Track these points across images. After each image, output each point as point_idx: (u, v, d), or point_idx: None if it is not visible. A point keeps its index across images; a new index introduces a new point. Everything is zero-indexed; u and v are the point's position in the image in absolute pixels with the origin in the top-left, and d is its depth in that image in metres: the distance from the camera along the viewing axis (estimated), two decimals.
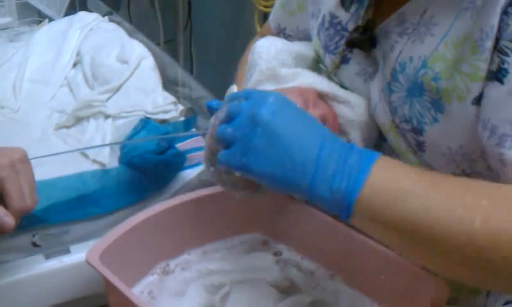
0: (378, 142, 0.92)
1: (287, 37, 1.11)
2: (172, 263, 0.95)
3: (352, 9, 0.92)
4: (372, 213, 0.67)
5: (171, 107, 1.27)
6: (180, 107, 1.30)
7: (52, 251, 1.01)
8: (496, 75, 0.71)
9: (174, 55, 2.49)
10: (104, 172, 1.04)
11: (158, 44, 2.33)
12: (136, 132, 1.10)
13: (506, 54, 0.70)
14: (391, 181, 0.67)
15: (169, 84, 1.41)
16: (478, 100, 0.74)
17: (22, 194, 0.85)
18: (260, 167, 0.69)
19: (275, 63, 0.94)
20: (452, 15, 0.77)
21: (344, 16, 0.93)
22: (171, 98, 1.30)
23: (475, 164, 0.79)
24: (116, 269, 0.84)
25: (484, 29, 0.72)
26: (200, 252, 0.98)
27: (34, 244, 1.00)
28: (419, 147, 0.82)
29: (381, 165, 0.68)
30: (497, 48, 0.71)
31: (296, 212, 0.98)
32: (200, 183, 1.10)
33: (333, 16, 0.94)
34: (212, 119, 0.78)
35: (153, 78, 1.35)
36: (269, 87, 0.92)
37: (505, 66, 0.70)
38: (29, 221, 0.98)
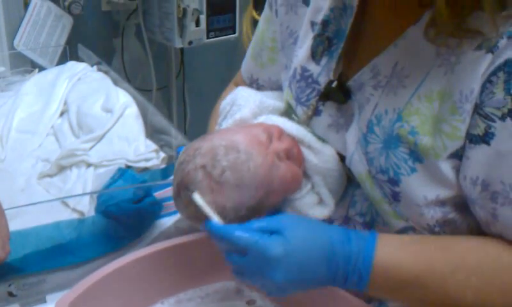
0: (350, 190, 0.92)
1: (260, 87, 1.13)
2: None
3: (323, 62, 0.94)
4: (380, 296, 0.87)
5: (153, 155, 1.29)
6: (162, 155, 1.32)
7: (28, 301, 1.01)
8: (483, 139, 0.75)
9: (167, 101, 2.53)
10: (80, 221, 1.05)
11: (150, 91, 2.38)
12: (113, 181, 1.12)
13: (493, 120, 0.73)
14: (389, 277, 0.78)
15: (153, 131, 1.43)
16: (453, 156, 0.78)
17: None
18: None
19: (249, 114, 0.96)
20: (423, 68, 0.79)
21: (314, 69, 0.95)
22: (153, 146, 1.32)
23: (449, 213, 0.82)
24: None
25: (463, 93, 0.75)
26: (173, 301, 0.98)
27: (10, 294, 1.01)
28: (394, 197, 0.83)
29: (378, 263, 0.77)
30: (481, 114, 0.74)
31: None
32: (177, 230, 1.11)
33: (304, 69, 0.96)
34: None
35: (137, 127, 1.37)
36: None
37: (492, 130, 0.74)
38: (5, 271, 0.99)
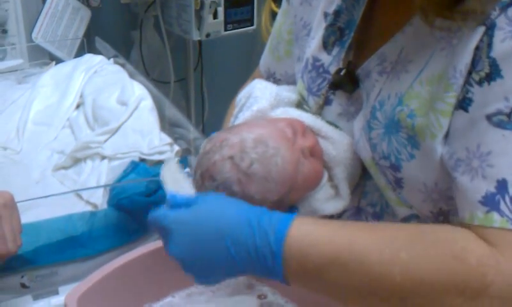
0: (363, 180, 0.92)
1: (277, 81, 1.13)
2: (156, 306, 0.96)
3: (334, 52, 0.94)
4: (303, 285, 0.75)
5: (167, 148, 1.29)
6: (176, 148, 1.31)
7: (40, 292, 1.02)
8: (461, 104, 0.72)
9: (185, 94, 2.53)
10: (92, 214, 1.05)
11: (168, 83, 2.38)
12: (125, 174, 1.12)
13: (471, 85, 0.71)
14: (305, 260, 0.71)
15: (168, 125, 1.43)
16: (446, 135, 0.75)
17: (4, 238, 0.87)
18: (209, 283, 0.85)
19: (267, 106, 0.96)
20: (427, 53, 0.78)
21: (325, 59, 0.95)
22: (167, 139, 1.32)
23: (451, 200, 0.79)
24: None
25: (457, 67, 0.73)
26: (184, 294, 0.98)
27: (23, 285, 1.02)
28: (397, 183, 0.83)
29: (291, 243, 0.71)
30: (467, 81, 0.72)
31: None
32: None
33: (315, 59, 0.96)
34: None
35: (151, 120, 1.37)
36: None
37: (470, 95, 0.71)
38: (17, 263, 1.00)
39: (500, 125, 0.68)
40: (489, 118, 0.69)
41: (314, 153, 0.88)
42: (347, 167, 0.90)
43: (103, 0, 2.12)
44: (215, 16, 2.10)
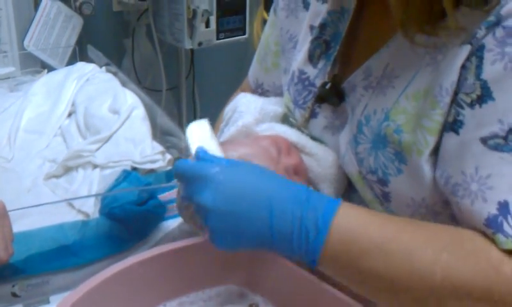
0: (348, 193, 0.93)
1: (265, 92, 1.14)
2: None
3: (320, 65, 0.94)
4: (335, 270, 0.73)
5: (159, 157, 1.29)
6: (168, 157, 1.31)
7: (31, 302, 1.02)
8: (452, 126, 0.73)
9: (177, 102, 2.53)
10: (84, 223, 1.05)
11: (160, 91, 2.38)
12: (117, 183, 1.12)
13: (461, 107, 0.72)
14: (351, 241, 0.70)
15: (160, 133, 1.43)
16: (434, 152, 0.76)
17: None
18: (225, 246, 0.77)
19: (252, 120, 0.96)
20: (412, 68, 0.79)
21: (311, 72, 0.95)
22: (159, 148, 1.32)
23: (438, 215, 0.80)
24: None
25: (443, 86, 0.73)
26: (175, 304, 0.98)
27: (14, 294, 1.01)
28: (385, 198, 0.83)
29: (340, 222, 0.70)
30: (454, 101, 0.73)
31: (272, 263, 0.99)
32: (181, 233, 1.11)
33: (301, 72, 0.97)
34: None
35: (143, 129, 1.37)
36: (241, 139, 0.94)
37: (461, 118, 0.72)
38: (8, 272, 0.99)
39: (497, 148, 0.68)
40: (484, 141, 0.69)
41: (298, 171, 0.89)
42: (332, 183, 0.90)
43: (95, 8, 2.12)
44: (207, 25, 2.10)
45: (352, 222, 0.70)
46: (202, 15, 2.06)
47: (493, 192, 0.68)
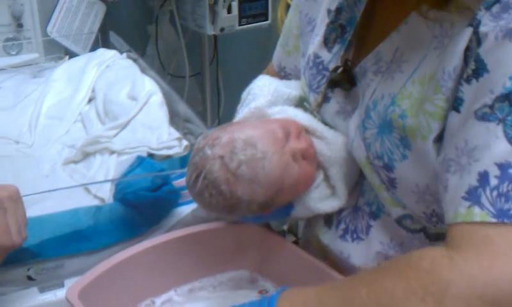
0: (360, 179, 0.92)
1: (288, 75, 1.13)
2: (158, 301, 0.97)
3: (335, 49, 0.94)
4: None
5: (175, 143, 1.29)
6: (185, 143, 1.32)
7: (46, 285, 1.04)
8: (453, 105, 0.72)
9: (201, 88, 2.53)
10: (98, 208, 1.06)
11: (184, 77, 2.39)
12: (132, 169, 1.13)
13: (461, 84, 0.71)
14: None
15: (178, 119, 1.44)
16: (439, 139, 0.74)
17: (8, 231, 0.88)
18: None
19: (264, 103, 0.96)
20: (421, 53, 0.78)
21: (326, 56, 0.95)
22: (176, 134, 1.32)
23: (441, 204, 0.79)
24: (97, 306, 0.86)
25: (446, 69, 0.72)
26: (186, 289, 0.99)
27: (29, 278, 1.03)
28: (391, 183, 0.82)
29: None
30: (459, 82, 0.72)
31: (282, 250, 0.99)
32: (194, 219, 1.11)
33: (316, 56, 0.96)
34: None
35: (160, 115, 1.38)
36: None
37: (460, 94, 0.71)
38: (24, 255, 1.01)
39: (483, 117, 0.67)
40: (476, 113, 0.68)
41: (306, 156, 0.88)
42: (342, 167, 0.90)
43: None
44: (229, 10, 2.10)
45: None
46: (224, 1, 2.06)
47: (477, 164, 0.67)
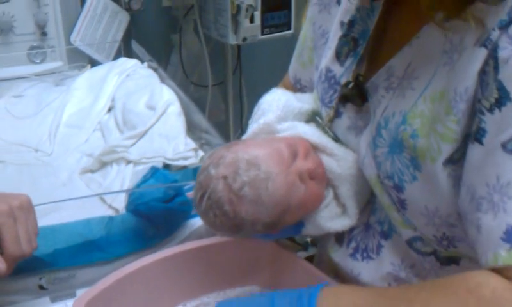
0: (371, 197, 0.90)
1: (303, 88, 1.12)
2: None
3: (347, 63, 0.92)
4: None
5: (191, 153, 1.29)
6: (201, 154, 1.31)
7: (58, 294, 1.04)
8: (475, 136, 0.69)
9: (224, 98, 2.53)
10: (110, 219, 1.06)
11: (207, 86, 2.39)
12: (145, 179, 1.13)
13: (482, 113, 0.68)
14: None
15: (196, 129, 1.44)
16: (448, 162, 0.72)
17: (18, 240, 0.88)
18: None
19: (273, 118, 0.95)
20: (431, 69, 0.76)
21: (338, 70, 0.93)
22: (192, 145, 1.32)
23: (453, 228, 0.76)
24: None
25: (457, 90, 0.70)
26: (195, 304, 0.98)
27: (41, 287, 1.03)
28: (401, 204, 0.80)
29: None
30: (477, 108, 0.69)
31: (294, 266, 0.97)
32: (207, 231, 1.10)
33: (328, 69, 0.94)
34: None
35: (178, 125, 1.38)
36: (263, 137, 0.93)
37: (483, 125, 0.68)
38: (36, 264, 1.01)
39: None
40: (504, 146, 0.65)
41: (314, 176, 0.87)
42: (352, 185, 0.88)
43: (144, 3, 2.14)
44: (252, 20, 2.09)
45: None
46: (246, 10, 2.05)
47: None
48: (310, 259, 1.06)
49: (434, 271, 0.82)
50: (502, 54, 0.66)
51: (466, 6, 0.69)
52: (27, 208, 0.93)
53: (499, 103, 0.66)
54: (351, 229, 0.91)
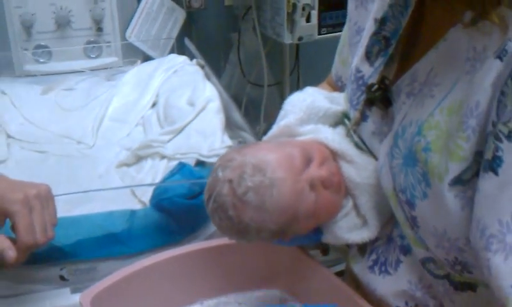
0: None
1: (344, 86, 1.07)
2: None
3: (377, 63, 0.86)
4: None
5: (226, 151, 1.26)
6: None
7: (79, 286, 1.03)
8: (490, 165, 0.62)
9: (281, 98, 2.50)
10: (133, 212, 1.05)
11: (262, 86, 2.36)
12: (171, 174, 1.11)
13: (500, 140, 0.61)
14: None
15: (235, 128, 1.41)
16: (456, 182, 0.66)
17: (32, 229, 0.88)
18: None
19: (294, 121, 0.91)
20: (453, 76, 0.70)
21: (367, 70, 0.87)
22: (228, 142, 1.29)
23: (463, 253, 0.70)
24: None
25: (470, 104, 0.64)
26: (212, 303, 0.95)
27: (62, 278, 1.03)
28: (414, 222, 0.74)
29: None
30: (494, 133, 0.62)
31: (315, 273, 0.93)
32: None
33: (357, 70, 0.89)
34: None
35: (216, 122, 1.36)
36: (283, 140, 0.89)
37: (500, 153, 0.61)
38: (57, 255, 1.02)
39: None
40: None
41: (328, 184, 0.81)
42: (373, 196, 0.82)
43: (206, 2, 2.14)
44: (308, 19, 2.05)
45: None
46: (303, 9, 2.01)
47: None
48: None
49: (448, 296, 0.76)
50: None
51: (496, 5, 0.63)
52: (46, 197, 0.93)
53: None
54: (374, 240, 0.86)
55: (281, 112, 0.93)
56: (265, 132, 0.95)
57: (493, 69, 0.61)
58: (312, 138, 0.87)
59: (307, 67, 2.51)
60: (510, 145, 0.60)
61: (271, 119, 1.98)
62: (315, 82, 2.65)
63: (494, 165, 0.61)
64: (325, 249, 0.96)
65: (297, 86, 2.51)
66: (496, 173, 0.61)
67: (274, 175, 0.78)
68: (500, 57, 0.61)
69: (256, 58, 2.44)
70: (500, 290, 0.59)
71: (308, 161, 0.81)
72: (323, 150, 0.84)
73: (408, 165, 0.73)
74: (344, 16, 2.20)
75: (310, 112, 0.91)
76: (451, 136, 0.66)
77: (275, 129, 0.91)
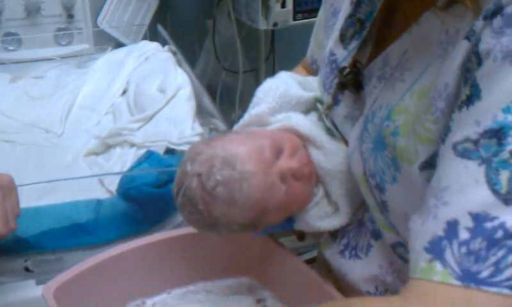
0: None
1: (319, 68, 1.06)
2: (149, 302, 0.92)
3: (351, 46, 0.84)
4: None
5: (196, 138, 1.25)
6: None
7: (44, 278, 1.00)
8: (442, 135, 0.61)
9: (256, 84, 2.48)
10: (99, 202, 1.03)
11: (237, 73, 2.35)
12: (139, 163, 1.09)
13: (453, 111, 0.59)
14: None
15: (207, 115, 1.39)
16: (425, 166, 0.64)
17: None
18: None
19: (266, 110, 0.89)
20: (425, 61, 0.68)
21: (340, 54, 0.85)
22: (199, 130, 1.27)
23: None
24: (76, 305, 0.82)
25: (437, 87, 0.62)
26: (180, 292, 0.94)
27: (27, 269, 1.01)
28: (384, 206, 0.73)
29: None
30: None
31: (284, 261, 0.92)
32: None
33: (331, 53, 0.87)
34: None
35: (186, 109, 1.34)
36: (254, 129, 0.87)
37: (450, 123, 0.60)
38: (21, 246, 0.99)
39: (464, 154, 0.56)
40: (454, 147, 0.57)
41: (299, 176, 0.79)
42: (343, 183, 0.81)
43: None
44: (283, 5, 2.02)
45: None
46: None
47: (446, 209, 0.56)
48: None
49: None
50: (484, 47, 0.57)
51: None
52: (8, 187, 0.90)
53: (468, 100, 0.57)
54: (346, 225, 0.85)
55: (254, 100, 0.91)
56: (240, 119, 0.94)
57: (461, 50, 0.60)
58: (283, 125, 0.85)
59: (283, 53, 2.49)
60: (458, 115, 0.58)
61: (246, 106, 1.96)
62: (290, 68, 2.63)
63: (443, 134, 0.60)
64: (301, 235, 0.94)
65: (272, 72, 2.49)
66: (443, 142, 0.60)
67: (244, 168, 0.76)
68: (468, 38, 0.60)
69: (232, 45, 2.41)
70: (413, 251, 0.58)
71: (278, 152, 0.80)
72: (294, 140, 0.83)
73: (378, 149, 0.72)
74: (319, 1, 2.19)
75: (282, 101, 0.89)
76: (419, 119, 0.65)
77: (246, 118, 0.89)
